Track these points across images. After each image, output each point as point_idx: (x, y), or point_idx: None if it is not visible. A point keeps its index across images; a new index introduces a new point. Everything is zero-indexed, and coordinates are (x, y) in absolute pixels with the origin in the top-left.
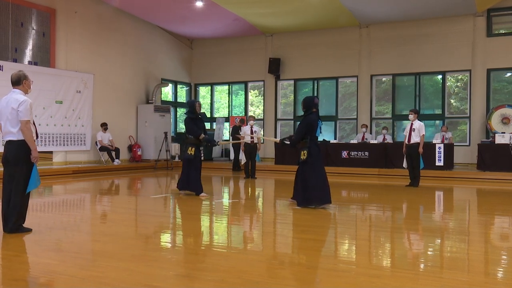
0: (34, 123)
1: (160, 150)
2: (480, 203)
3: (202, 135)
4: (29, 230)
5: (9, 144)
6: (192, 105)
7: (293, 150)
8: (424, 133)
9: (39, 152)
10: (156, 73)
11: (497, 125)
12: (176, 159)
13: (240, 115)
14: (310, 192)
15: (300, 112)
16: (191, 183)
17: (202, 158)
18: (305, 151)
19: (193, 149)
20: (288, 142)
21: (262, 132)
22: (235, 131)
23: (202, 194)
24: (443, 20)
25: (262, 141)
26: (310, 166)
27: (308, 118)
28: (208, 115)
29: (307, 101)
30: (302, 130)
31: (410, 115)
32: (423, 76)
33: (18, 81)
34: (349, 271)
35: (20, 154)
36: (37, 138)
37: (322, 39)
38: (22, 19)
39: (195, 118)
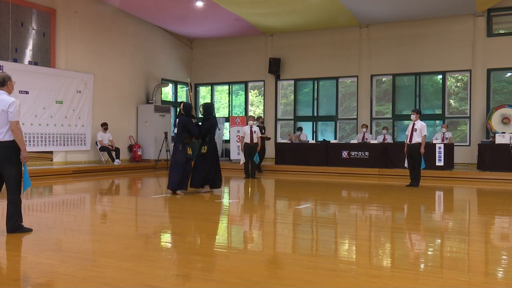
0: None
1: (160, 150)
2: (480, 203)
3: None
4: (29, 230)
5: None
6: (190, 108)
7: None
8: (425, 133)
9: (39, 152)
10: (156, 73)
11: (497, 125)
12: None
13: (240, 115)
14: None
15: (301, 112)
16: (184, 181)
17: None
18: (206, 147)
19: (191, 149)
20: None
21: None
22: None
23: (179, 192)
24: (443, 20)
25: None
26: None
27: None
28: None
29: (207, 107)
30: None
31: (412, 115)
32: (423, 76)
33: (3, 82)
34: (349, 271)
35: (9, 154)
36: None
37: (322, 39)
38: (22, 19)
39: (192, 118)
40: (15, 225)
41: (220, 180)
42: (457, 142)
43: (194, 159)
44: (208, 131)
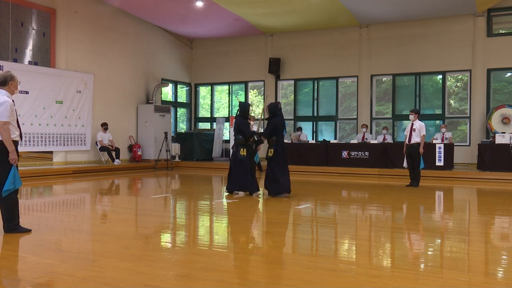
0: (18, 125)
1: (160, 150)
2: (480, 203)
3: (254, 137)
4: (28, 230)
5: None
6: (246, 107)
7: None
8: (424, 133)
9: (39, 152)
10: (156, 73)
11: (497, 125)
12: (176, 159)
13: None
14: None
15: (301, 112)
16: (246, 183)
17: (257, 158)
18: (272, 150)
19: (245, 150)
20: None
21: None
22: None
23: (256, 193)
24: (443, 20)
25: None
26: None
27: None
28: (208, 115)
29: (271, 107)
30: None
31: (410, 116)
32: (423, 76)
33: (4, 82)
34: (349, 271)
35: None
36: (20, 140)
37: (322, 39)
38: (22, 19)
39: (246, 119)
40: (7, 226)
41: (282, 186)
42: (457, 142)
43: (251, 161)
44: (274, 132)
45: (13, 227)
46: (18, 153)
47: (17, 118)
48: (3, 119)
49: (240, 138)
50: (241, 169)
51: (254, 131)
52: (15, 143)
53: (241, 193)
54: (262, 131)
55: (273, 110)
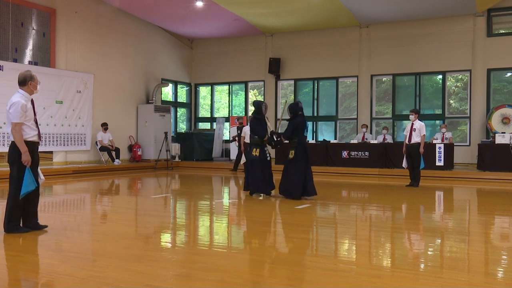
0: (37, 125)
1: (160, 150)
2: (480, 203)
3: (267, 136)
4: (27, 231)
5: (10, 144)
6: (259, 106)
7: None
8: (424, 133)
9: (39, 152)
10: (156, 73)
11: (497, 125)
12: (176, 159)
13: (241, 115)
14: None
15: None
16: (251, 183)
17: (268, 158)
18: (293, 151)
19: (258, 150)
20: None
21: None
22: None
23: (255, 195)
24: (443, 20)
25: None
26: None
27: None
28: (208, 115)
29: (292, 107)
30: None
31: (411, 116)
32: (423, 76)
33: (23, 82)
34: (349, 271)
35: (13, 155)
36: (40, 140)
37: (322, 39)
38: (22, 19)
39: (260, 119)
40: (7, 226)
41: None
42: (457, 142)
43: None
44: (294, 132)
45: (14, 227)
46: (36, 154)
47: (35, 118)
48: (14, 120)
49: (256, 138)
50: (252, 169)
51: (273, 131)
52: (33, 144)
53: (261, 196)
54: (280, 131)
55: (294, 110)
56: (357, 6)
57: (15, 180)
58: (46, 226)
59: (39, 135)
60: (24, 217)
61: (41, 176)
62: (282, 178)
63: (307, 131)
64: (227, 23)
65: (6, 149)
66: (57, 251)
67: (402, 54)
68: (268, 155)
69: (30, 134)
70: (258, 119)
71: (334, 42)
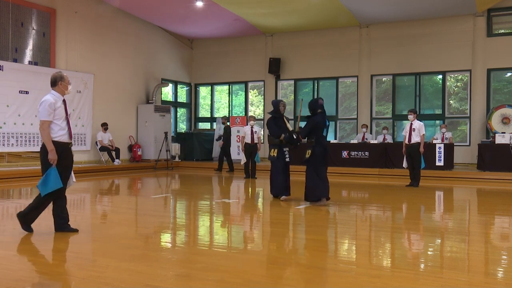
0: (69, 125)
1: (160, 150)
2: (480, 203)
3: (283, 136)
4: (30, 231)
5: (42, 144)
6: (276, 105)
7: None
8: (424, 132)
9: (39, 152)
10: (156, 73)
11: (497, 125)
12: (176, 159)
13: (240, 115)
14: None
15: (301, 112)
16: (272, 185)
17: (287, 159)
18: (309, 151)
19: (276, 150)
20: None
21: (262, 132)
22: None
23: (283, 197)
24: (443, 20)
25: (262, 141)
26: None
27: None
28: (208, 115)
29: (311, 104)
30: (306, 128)
31: (409, 115)
32: (423, 76)
33: (54, 82)
34: (349, 271)
35: (42, 154)
36: (71, 140)
37: (322, 39)
38: (22, 19)
39: (277, 118)
40: (24, 218)
41: (322, 190)
42: (457, 142)
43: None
44: (312, 131)
45: (26, 223)
46: (65, 154)
47: (66, 117)
48: (42, 118)
49: (273, 139)
50: (272, 170)
51: (292, 130)
52: (61, 143)
53: (283, 197)
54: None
55: (313, 107)
56: (357, 6)
57: (42, 179)
58: (76, 230)
59: (70, 135)
60: (53, 218)
61: (73, 179)
62: (306, 184)
63: (327, 131)
64: (227, 23)
65: (7, 149)
66: (57, 251)
67: (402, 54)
68: (287, 155)
69: (58, 134)
70: (274, 118)
71: (334, 42)
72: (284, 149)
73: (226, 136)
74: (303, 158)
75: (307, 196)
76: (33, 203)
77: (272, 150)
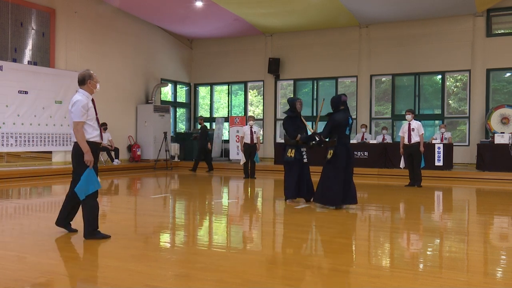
0: (99, 125)
1: (160, 150)
2: (479, 203)
3: (299, 136)
4: (107, 236)
5: (73, 145)
6: (292, 103)
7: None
8: (423, 132)
9: (38, 152)
10: (155, 73)
11: (496, 125)
12: (176, 159)
13: (240, 115)
14: (325, 192)
15: (301, 112)
16: (286, 187)
17: (305, 160)
18: (331, 151)
19: (293, 150)
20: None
21: (261, 132)
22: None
23: (288, 200)
24: (443, 20)
25: (261, 141)
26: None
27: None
28: (208, 115)
29: (333, 100)
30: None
31: (407, 115)
32: (422, 76)
33: (83, 81)
34: (349, 271)
35: (75, 155)
36: (101, 141)
37: (322, 39)
38: (22, 19)
39: (294, 117)
40: (86, 231)
41: (349, 195)
42: (456, 142)
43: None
44: (333, 130)
45: (93, 231)
46: (97, 154)
47: (96, 118)
48: (75, 119)
49: (289, 139)
50: (288, 172)
51: (314, 131)
52: (95, 144)
53: (300, 204)
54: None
55: (336, 104)
56: (357, 6)
57: (77, 181)
58: (76, 230)
59: (100, 135)
60: (60, 210)
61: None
62: (318, 183)
63: (349, 129)
64: (227, 23)
65: (6, 149)
66: (57, 251)
67: (402, 54)
68: (305, 156)
69: (92, 134)
70: (290, 118)
71: (334, 42)
72: (302, 150)
73: (203, 136)
74: (325, 159)
75: (315, 197)
76: (84, 215)
77: (290, 150)
